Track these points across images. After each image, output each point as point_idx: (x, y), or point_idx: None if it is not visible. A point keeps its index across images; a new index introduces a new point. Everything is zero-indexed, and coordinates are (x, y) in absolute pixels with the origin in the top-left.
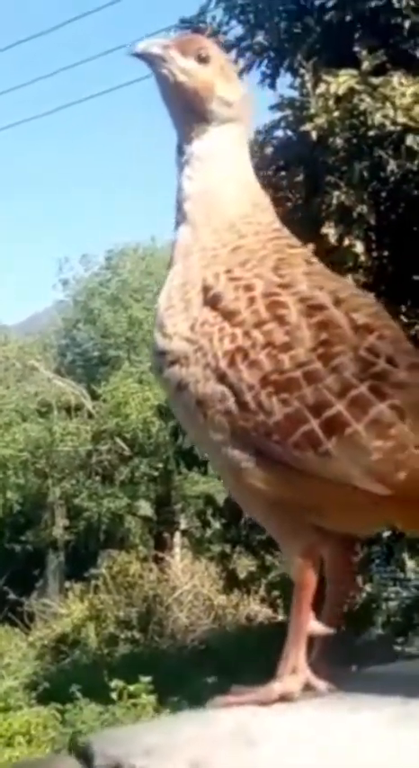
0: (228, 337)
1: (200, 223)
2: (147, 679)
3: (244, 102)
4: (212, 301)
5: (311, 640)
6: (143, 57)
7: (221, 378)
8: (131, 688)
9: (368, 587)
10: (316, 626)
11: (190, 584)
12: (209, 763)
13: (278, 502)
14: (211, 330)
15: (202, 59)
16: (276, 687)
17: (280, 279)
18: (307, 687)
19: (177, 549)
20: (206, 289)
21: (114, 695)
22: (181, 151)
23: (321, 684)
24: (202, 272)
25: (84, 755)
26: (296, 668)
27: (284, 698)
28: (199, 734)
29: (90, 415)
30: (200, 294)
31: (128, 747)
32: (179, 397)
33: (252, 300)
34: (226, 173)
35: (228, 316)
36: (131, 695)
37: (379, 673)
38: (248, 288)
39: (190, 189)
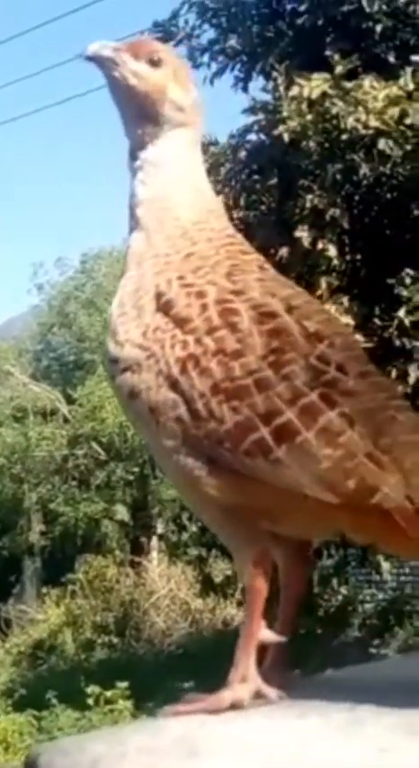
0: (180, 344)
1: (152, 229)
2: (123, 684)
3: (196, 106)
4: (165, 308)
5: (264, 648)
6: (94, 59)
7: (173, 385)
8: (108, 694)
9: (343, 590)
10: (267, 634)
11: (166, 589)
12: None
13: (231, 509)
14: (163, 337)
15: (154, 63)
16: (226, 695)
17: (233, 285)
18: (258, 695)
19: (154, 554)
20: (158, 295)
21: (91, 701)
22: (133, 156)
23: (271, 692)
24: (155, 278)
25: (31, 766)
26: (246, 676)
27: (234, 706)
28: (146, 744)
29: (66, 420)
30: (152, 301)
31: (75, 758)
32: (131, 404)
33: (204, 307)
34: (179, 178)
35: (180, 323)
36: (108, 701)
37: (330, 678)
38: (201, 294)
39: (142, 194)
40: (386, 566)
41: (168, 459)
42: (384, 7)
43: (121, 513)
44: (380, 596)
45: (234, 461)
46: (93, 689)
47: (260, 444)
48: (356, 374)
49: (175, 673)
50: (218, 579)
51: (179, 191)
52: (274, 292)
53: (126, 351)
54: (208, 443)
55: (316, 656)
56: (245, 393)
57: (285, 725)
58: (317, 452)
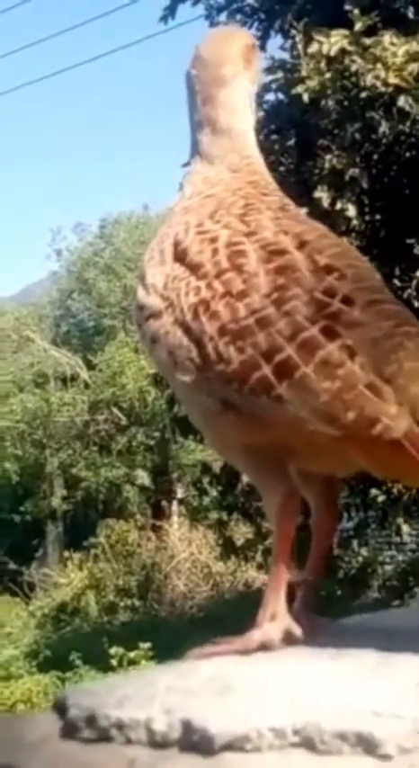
0: (193, 290)
1: (185, 178)
2: (146, 645)
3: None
4: (181, 256)
5: (293, 590)
6: None
7: (187, 331)
8: (131, 654)
9: (364, 551)
10: (295, 573)
11: (187, 552)
12: (183, 710)
13: (251, 448)
14: (179, 285)
15: None
16: (255, 635)
17: (246, 226)
18: (287, 634)
19: (175, 518)
20: (176, 243)
21: (114, 662)
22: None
23: (301, 632)
24: (177, 225)
25: (60, 708)
26: (275, 615)
27: (264, 646)
28: (174, 684)
29: (86, 386)
30: (171, 247)
31: (102, 698)
32: (153, 349)
33: (215, 252)
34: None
35: (194, 269)
36: (131, 662)
37: (360, 622)
38: (212, 240)
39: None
40: (406, 528)
41: (187, 402)
42: None
43: (142, 477)
44: (400, 558)
45: (242, 401)
46: (116, 650)
47: (263, 382)
48: (364, 303)
49: (197, 634)
50: (238, 542)
51: (202, 149)
52: (287, 230)
53: (151, 299)
54: (218, 385)
55: (335, 618)
56: (248, 332)
57: (318, 666)
58: (316, 386)
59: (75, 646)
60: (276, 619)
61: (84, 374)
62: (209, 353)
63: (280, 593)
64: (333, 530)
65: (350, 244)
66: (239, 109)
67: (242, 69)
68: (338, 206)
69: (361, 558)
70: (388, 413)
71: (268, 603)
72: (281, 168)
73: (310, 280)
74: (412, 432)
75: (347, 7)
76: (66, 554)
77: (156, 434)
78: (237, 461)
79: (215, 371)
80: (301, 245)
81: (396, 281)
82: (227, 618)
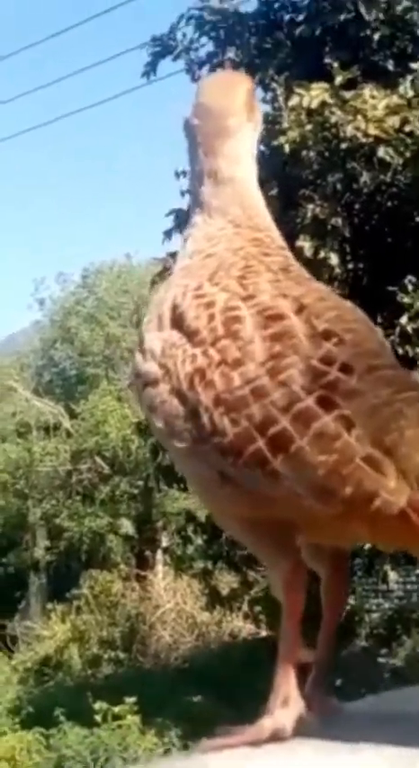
0: (189, 358)
1: (186, 233)
2: (131, 700)
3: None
4: (178, 321)
5: (303, 669)
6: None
7: (183, 400)
8: (116, 710)
9: (350, 599)
10: (305, 653)
11: (172, 602)
12: None
13: (252, 520)
14: (176, 353)
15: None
16: (267, 724)
17: (243, 290)
18: (301, 721)
19: (159, 567)
20: (174, 307)
21: (98, 718)
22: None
23: (316, 719)
24: (176, 287)
25: None
26: (287, 700)
27: (276, 735)
28: None
29: (69, 435)
30: (169, 311)
31: None
32: (151, 418)
33: (211, 317)
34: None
35: (191, 335)
36: (116, 717)
37: (374, 705)
38: (209, 304)
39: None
40: (392, 575)
41: (187, 475)
42: (381, 15)
43: (126, 527)
44: (387, 605)
45: (237, 475)
46: (100, 705)
47: (257, 456)
48: (363, 370)
49: (183, 687)
50: (224, 592)
51: (203, 200)
52: (286, 293)
53: (148, 365)
54: (214, 457)
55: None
56: (242, 403)
57: (337, 761)
58: (312, 460)
59: (58, 701)
60: (288, 704)
61: (67, 423)
62: (205, 424)
63: (290, 676)
64: (344, 603)
65: (333, 292)
66: (242, 158)
67: (246, 119)
68: (321, 255)
69: (347, 607)
70: (387, 487)
71: (279, 688)
72: None
73: (307, 347)
74: (415, 503)
75: (327, 61)
76: (50, 606)
77: (140, 483)
78: (239, 534)
79: (211, 443)
80: (300, 309)
81: (379, 329)
82: (213, 669)
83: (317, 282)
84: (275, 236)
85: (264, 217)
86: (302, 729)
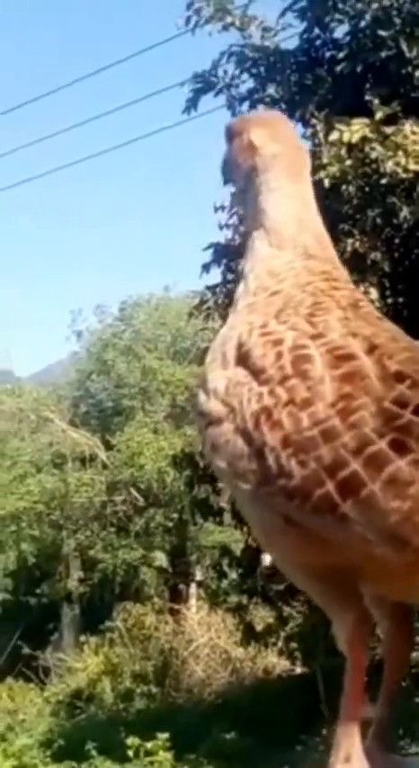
0: (256, 397)
1: (248, 269)
2: (164, 736)
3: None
4: (244, 358)
5: (365, 722)
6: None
7: (248, 440)
8: (148, 745)
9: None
10: (369, 709)
11: (206, 637)
12: None
13: (317, 567)
14: (242, 391)
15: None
16: None
17: (312, 328)
18: None
19: (193, 601)
20: (240, 345)
21: (131, 753)
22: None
23: None
24: (241, 325)
25: None
26: (349, 757)
27: None
28: None
29: (104, 466)
30: (234, 349)
31: None
32: (213, 458)
33: (279, 356)
34: (274, 215)
35: (257, 373)
36: (148, 752)
37: None
38: (277, 342)
39: (251, 246)
40: None
41: (249, 519)
42: None
43: (160, 559)
44: None
45: (304, 519)
46: (132, 740)
47: (326, 499)
48: None
49: (216, 723)
50: (258, 627)
51: (273, 228)
52: (357, 332)
53: (211, 404)
54: (280, 500)
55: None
56: (311, 445)
57: None
58: (384, 506)
59: (90, 735)
60: (351, 761)
61: (103, 455)
62: (271, 466)
63: (354, 732)
64: (407, 659)
65: None
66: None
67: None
68: (361, 289)
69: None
70: None
71: (341, 744)
72: None
73: (379, 388)
74: None
75: (368, 97)
76: (82, 638)
77: (175, 515)
78: (303, 584)
79: (276, 486)
80: (371, 348)
81: None
82: (247, 705)
83: (388, 322)
84: (342, 270)
85: (333, 252)
86: None
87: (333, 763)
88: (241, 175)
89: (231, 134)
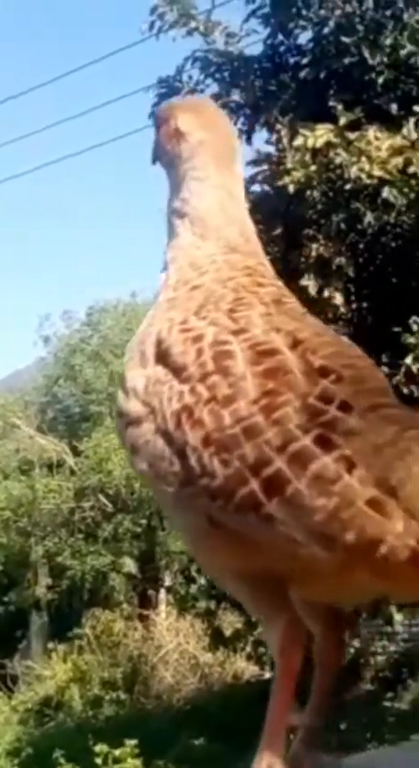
0: (176, 396)
1: (170, 260)
2: (132, 742)
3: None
4: (163, 356)
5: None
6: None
7: (169, 440)
8: (116, 752)
9: (355, 642)
10: (296, 717)
11: (175, 643)
12: None
13: (243, 573)
14: (162, 390)
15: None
16: None
17: (234, 323)
18: None
19: (162, 607)
20: (159, 342)
21: (99, 760)
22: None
23: None
24: (160, 321)
25: None
26: (272, 766)
27: None
28: None
29: (72, 472)
30: (153, 346)
31: None
32: (134, 459)
33: (199, 352)
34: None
35: (177, 371)
36: (116, 760)
37: (367, 762)
38: (197, 339)
39: (169, 239)
40: (398, 617)
41: (173, 520)
42: (385, 59)
43: (129, 565)
44: (392, 648)
45: (228, 520)
46: (101, 747)
47: (250, 499)
48: (364, 409)
49: (185, 729)
50: (227, 632)
51: (197, 217)
52: (280, 327)
53: (130, 404)
54: (203, 501)
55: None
56: (233, 443)
57: None
58: (310, 503)
59: (58, 742)
60: None
61: (71, 461)
62: (193, 466)
63: (277, 741)
64: (339, 665)
65: (337, 332)
66: (243, 184)
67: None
68: (325, 294)
69: (352, 650)
70: (394, 530)
71: (264, 752)
72: (268, 257)
73: (303, 383)
74: None
75: (331, 103)
76: (51, 645)
77: (143, 521)
78: (231, 587)
79: (199, 486)
80: (294, 344)
81: (384, 369)
82: (216, 711)
83: (313, 317)
84: (268, 265)
85: (258, 245)
86: None
87: None
88: (167, 162)
89: (159, 120)
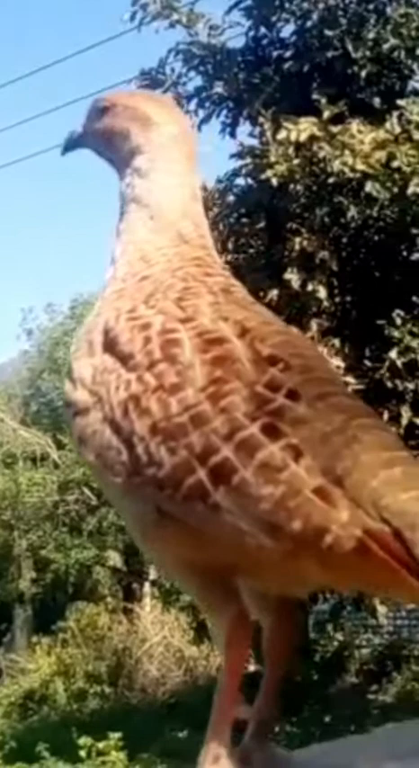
0: (123, 384)
1: (119, 253)
2: (116, 735)
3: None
4: (110, 345)
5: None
6: (69, 148)
7: (117, 430)
8: (100, 745)
9: (339, 635)
10: (243, 709)
11: (160, 636)
12: None
13: (192, 563)
14: (109, 378)
15: (102, 111)
16: None
17: (182, 312)
18: None
19: (147, 600)
20: (106, 331)
21: (83, 753)
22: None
23: None
24: (108, 311)
25: None
26: (218, 757)
27: None
28: None
29: (56, 465)
30: (101, 335)
31: None
32: (81, 450)
33: (147, 340)
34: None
35: (124, 360)
36: (100, 752)
37: (317, 755)
38: (145, 327)
39: (120, 225)
40: (381, 610)
41: (122, 512)
42: (368, 53)
43: (114, 559)
44: (377, 641)
45: (176, 510)
46: (85, 740)
47: (197, 488)
48: (312, 397)
49: (169, 722)
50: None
51: (156, 211)
52: (228, 316)
53: (77, 394)
54: (151, 491)
55: (312, 703)
56: (181, 432)
57: None
58: (256, 492)
59: (42, 736)
60: (219, 762)
61: (54, 454)
62: (140, 455)
63: (223, 732)
64: (288, 657)
65: (320, 325)
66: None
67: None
68: (309, 288)
69: (336, 642)
70: (339, 520)
71: (210, 744)
72: (251, 250)
73: (251, 372)
74: (373, 531)
75: (315, 96)
76: (35, 639)
77: None
78: (181, 580)
79: (146, 475)
80: (242, 332)
81: (368, 362)
82: (200, 704)
83: (262, 306)
84: (217, 257)
85: (210, 239)
86: None
87: (201, 764)
88: (123, 149)
89: (113, 103)
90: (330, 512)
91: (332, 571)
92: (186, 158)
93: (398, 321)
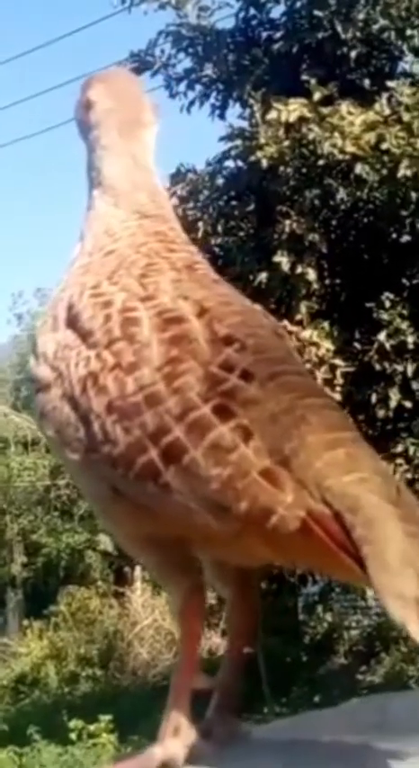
0: (83, 361)
1: (87, 228)
2: (107, 718)
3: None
4: (73, 321)
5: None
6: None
7: (75, 406)
8: (91, 728)
9: (328, 617)
10: (202, 680)
11: (151, 619)
12: None
13: (148, 538)
14: (70, 355)
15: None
16: (157, 752)
17: (143, 290)
18: (193, 749)
19: (138, 584)
20: (70, 307)
21: (74, 736)
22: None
23: (208, 747)
24: (73, 286)
25: None
26: (178, 728)
27: (166, 764)
28: None
29: (47, 450)
30: (64, 311)
31: None
32: (42, 425)
33: (107, 318)
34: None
35: (85, 337)
36: (91, 735)
37: (277, 728)
38: (107, 304)
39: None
40: (370, 591)
41: (81, 488)
42: (358, 34)
43: (105, 543)
44: (366, 622)
45: (128, 488)
46: (75, 723)
47: (149, 467)
48: (265, 377)
49: (160, 704)
50: None
51: (109, 185)
52: (188, 294)
53: (40, 369)
54: (105, 469)
55: (302, 684)
56: (135, 411)
57: None
58: (205, 473)
59: (33, 719)
60: (179, 733)
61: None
62: (96, 433)
63: (183, 703)
64: (251, 628)
65: (310, 307)
66: (153, 152)
67: (154, 119)
68: (298, 270)
69: (325, 624)
70: (284, 502)
71: (170, 715)
72: (241, 233)
73: (207, 352)
74: (316, 512)
75: (304, 78)
76: (26, 623)
77: None
78: (137, 553)
79: (102, 453)
80: (201, 312)
81: (357, 345)
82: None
83: (225, 285)
84: (179, 230)
85: (170, 210)
86: (197, 757)
87: (162, 736)
88: (81, 132)
89: (77, 99)
90: (276, 494)
91: (278, 550)
92: (122, 127)
93: (387, 303)
